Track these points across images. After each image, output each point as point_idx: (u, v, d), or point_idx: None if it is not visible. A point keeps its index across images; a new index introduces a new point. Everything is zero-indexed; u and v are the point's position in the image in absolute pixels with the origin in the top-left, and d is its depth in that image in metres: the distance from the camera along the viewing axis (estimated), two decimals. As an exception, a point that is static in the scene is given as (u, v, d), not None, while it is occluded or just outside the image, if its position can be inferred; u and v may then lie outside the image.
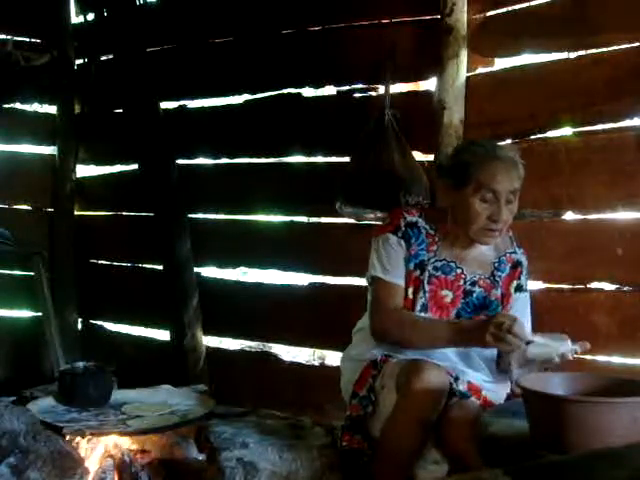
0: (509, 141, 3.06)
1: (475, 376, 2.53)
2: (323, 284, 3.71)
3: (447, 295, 2.57)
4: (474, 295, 2.59)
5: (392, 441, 2.36)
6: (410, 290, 2.57)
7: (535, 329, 2.60)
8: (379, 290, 2.58)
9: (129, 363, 3.89)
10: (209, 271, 4.20)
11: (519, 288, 2.64)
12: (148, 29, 4.15)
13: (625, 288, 2.83)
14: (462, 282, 2.58)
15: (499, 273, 2.61)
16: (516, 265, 2.64)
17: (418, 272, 2.56)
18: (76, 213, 4.62)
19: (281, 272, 3.96)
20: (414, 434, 2.34)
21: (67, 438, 2.74)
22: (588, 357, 2.87)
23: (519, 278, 2.64)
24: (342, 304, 3.40)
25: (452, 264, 2.59)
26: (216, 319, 4.10)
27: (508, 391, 2.60)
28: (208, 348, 4.13)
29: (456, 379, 2.42)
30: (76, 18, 4.53)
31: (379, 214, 3.12)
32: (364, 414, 2.48)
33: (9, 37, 4.07)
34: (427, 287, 2.56)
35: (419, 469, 2.39)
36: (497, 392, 2.56)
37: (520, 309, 2.62)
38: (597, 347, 2.84)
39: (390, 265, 2.57)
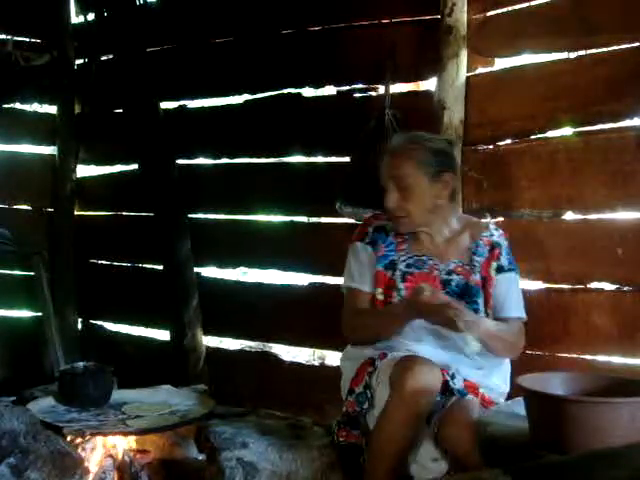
0: (509, 141, 3.06)
1: (469, 372, 2.52)
2: (323, 284, 3.71)
3: None
4: (453, 283, 2.59)
5: (384, 436, 2.37)
6: (379, 291, 2.63)
7: (531, 320, 2.66)
8: (348, 297, 2.73)
9: (129, 363, 3.89)
10: (209, 271, 4.20)
11: (500, 269, 2.63)
12: (148, 29, 4.15)
13: (625, 288, 2.83)
14: (437, 273, 2.60)
15: (477, 258, 2.62)
16: (494, 247, 2.64)
17: (390, 272, 2.62)
18: (76, 213, 4.62)
19: (281, 272, 3.96)
20: (406, 430, 2.34)
21: (67, 438, 2.75)
22: (588, 357, 2.88)
23: (498, 259, 2.63)
24: (342, 304, 3.39)
25: (424, 258, 2.63)
26: (216, 319, 4.10)
27: (507, 389, 2.61)
28: (208, 348, 4.13)
29: (452, 377, 2.43)
30: (76, 18, 4.53)
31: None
32: (360, 410, 2.49)
33: (9, 37, 4.07)
34: (402, 285, 2.59)
35: (417, 466, 2.39)
36: (494, 389, 2.57)
37: (503, 291, 2.62)
38: (597, 347, 2.85)
39: (357, 272, 2.69)
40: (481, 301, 2.59)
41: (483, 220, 2.77)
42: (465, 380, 2.47)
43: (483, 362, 2.56)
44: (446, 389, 2.40)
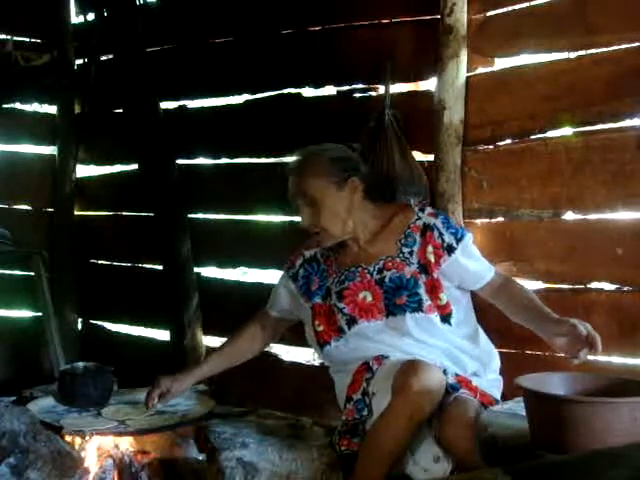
0: (509, 141, 3.06)
1: (466, 364, 2.54)
2: (323, 284, 3.70)
3: (365, 296, 2.59)
4: (387, 279, 2.57)
5: (384, 438, 2.34)
6: (317, 323, 2.65)
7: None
8: (260, 310, 2.96)
9: (129, 363, 3.89)
10: (209, 271, 4.20)
11: (450, 249, 2.58)
12: (148, 29, 4.15)
13: (625, 288, 2.83)
14: (369, 276, 2.60)
15: (407, 248, 2.60)
16: (425, 230, 2.60)
17: (327, 300, 2.64)
18: (76, 213, 4.62)
19: (281, 272, 3.95)
20: (408, 433, 2.33)
21: (67, 438, 2.74)
22: (588, 357, 2.87)
23: (441, 240, 2.58)
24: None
25: (352, 268, 2.63)
26: (216, 319, 4.10)
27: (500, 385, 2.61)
28: (208, 348, 4.13)
29: (444, 373, 2.42)
30: (76, 18, 4.54)
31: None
32: (360, 417, 2.46)
33: (9, 37, 4.07)
34: (341, 304, 2.59)
35: (419, 468, 2.38)
36: (491, 382, 2.57)
37: (470, 263, 2.60)
38: (597, 347, 2.85)
39: (273, 296, 2.91)
40: (422, 290, 2.55)
41: (410, 205, 2.72)
42: (457, 375, 2.47)
43: (475, 350, 2.57)
44: None
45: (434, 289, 2.56)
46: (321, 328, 2.64)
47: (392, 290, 2.56)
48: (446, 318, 2.56)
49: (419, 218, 2.63)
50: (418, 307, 2.53)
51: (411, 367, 2.34)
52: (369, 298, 2.58)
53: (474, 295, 2.70)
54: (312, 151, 2.67)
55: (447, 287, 2.58)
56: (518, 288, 2.62)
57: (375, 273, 2.60)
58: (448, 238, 2.58)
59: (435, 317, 2.55)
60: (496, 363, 2.66)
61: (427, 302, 2.54)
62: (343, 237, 2.65)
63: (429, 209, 2.68)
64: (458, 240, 2.59)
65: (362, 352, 2.54)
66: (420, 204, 2.74)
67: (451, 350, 2.55)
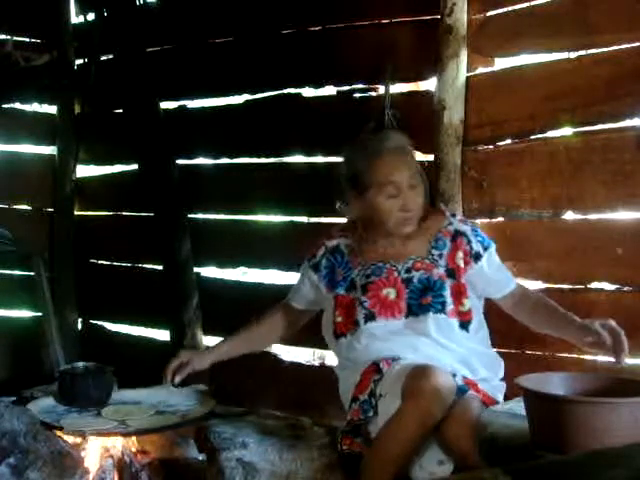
0: (509, 141, 3.06)
1: (476, 368, 2.54)
2: (323, 284, 3.70)
3: (389, 293, 2.57)
4: (414, 280, 2.56)
5: (394, 442, 2.32)
6: (337, 313, 2.63)
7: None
8: (281, 302, 2.88)
9: (129, 363, 3.89)
10: (209, 271, 4.20)
11: (477, 257, 2.58)
12: (148, 29, 4.16)
13: (625, 288, 2.83)
14: (396, 274, 2.58)
15: (437, 251, 2.59)
16: (456, 236, 2.59)
17: (352, 292, 2.61)
18: (76, 213, 4.62)
19: (281, 272, 3.96)
20: (418, 437, 2.32)
21: (67, 438, 2.75)
22: (588, 357, 2.88)
23: (469, 247, 2.58)
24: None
25: (380, 264, 2.61)
26: (216, 319, 4.10)
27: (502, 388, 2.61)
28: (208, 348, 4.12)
29: (453, 376, 2.42)
30: (76, 18, 4.54)
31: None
32: (365, 418, 2.45)
33: (9, 37, 4.07)
34: (364, 297, 2.57)
35: (423, 471, 2.37)
36: (495, 387, 2.57)
37: (494, 272, 2.60)
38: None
39: (296, 288, 2.83)
40: (447, 293, 2.54)
41: (441, 209, 2.73)
42: (465, 378, 2.47)
43: (484, 357, 2.57)
44: None
45: (459, 294, 2.56)
46: (340, 319, 2.63)
47: (418, 291, 2.56)
48: (465, 325, 2.57)
49: (451, 223, 2.62)
50: (442, 309, 2.53)
51: (422, 372, 2.33)
52: (392, 295, 2.57)
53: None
54: (398, 134, 2.68)
55: (470, 295, 2.59)
56: (539, 297, 2.62)
57: (403, 272, 2.58)
58: (476, 246, 2.59)
59: (455, 322, 2.55)
60: (502, 369, 2.66)
61: (450, 306, 2.54)
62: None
63: (459, 216, 2.71)
64: (485, 249, 2.60)
65: (374, 352, 2.53)
66: (451, 210, 2.75)
67: (464, 355, 2.54)
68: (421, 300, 2.55)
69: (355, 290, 2.61)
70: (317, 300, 2.80)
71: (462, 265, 2.57)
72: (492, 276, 2.61)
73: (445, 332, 2.54)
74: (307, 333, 3.71)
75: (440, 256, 2.59)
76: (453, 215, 2.67)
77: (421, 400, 2.28)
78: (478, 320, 2.62)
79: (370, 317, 2.57)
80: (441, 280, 2.56)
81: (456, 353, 2.54)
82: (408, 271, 2.58)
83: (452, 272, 2.57)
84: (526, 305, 2.61)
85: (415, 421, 2.30)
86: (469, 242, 2.59)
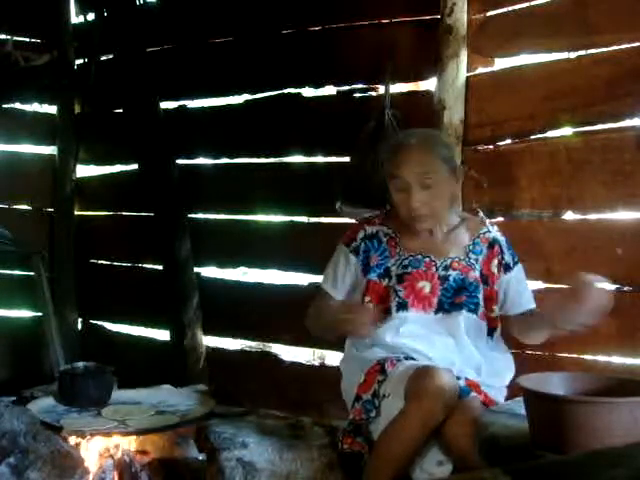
0: (509, 141, 3.06)
1: (473, 375, 2.53)
2: (323, 284, 3.70)
3: (424, 286, 2.58)
4: (450, 279, 2.58)
5: (396, 444, 2.33)
6: (367, 299, 2.61)
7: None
8: (318, 297, 2.73)
9: (129, 363, 3.89)
10: (209, 271, 4.20)
11: (507, 268, 2.63)
12: (148, 29, 4.16)
13: (625, 288, 2.83)
14: (434, 269, 2.59)
15: (474, 255, 2.62)
16: (492, 244, 2.64)
17: (386, 280, 2.60)
18: (76, 213, 4.62)
19: (281, 272, 3.96)
20: (420, 438, 2.33)
21: (67, 438, 2.75)
22: (588, 357, 2.88)
23: (502, 257, 2.63)
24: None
25: (419, 256, 2.61)
26: (216, 319, 4.10)
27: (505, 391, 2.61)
28: (208, 348, 4.13)
29: (457, 378, 2.43)
30: (76, 18, 4.53)
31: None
32: (367, 418, 2.46)
33: (9, 37, 4.07)
34: (399, 287, 2.57)
35: (423, 472, 2.37)
36: (498, 389, 2.57)
37: (518, 287, 2.64)
38: (597, 347, 2.85)
39: (332, 277, 2.70)
40: (481, 296, 2.59)
41: (480, 216, 2.75)
42: (467, 379, 2.47)
43: (489, 362, 2.58)
44: None
45: (490, 300, 2.60)
46: (370, 305, 2.60)
47: (453, 290, 2.57)
48: (491, 331, 2.62)
49: (489, 231, 2.66)
50: (475, 309, 2.57)
51: (425, 373, 2.34)
52: (427, 289, 2.58)
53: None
54: (432, 134, 2.70)
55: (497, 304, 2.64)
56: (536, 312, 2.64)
57: (441, 269, 2.59)
58: (508, 257, 2.64)
59: (485, 325, 2.60)
60: (511, 374, 2.65)
61: (482, 309, 2.59)
62: (441, 223, 2.63)
63: (496, 226, 2.73)
64: (515, 262, 2.65)
65: (398, 344, 2.53)
66: (488, 219, 2.76)
67: (479, 362, 2.56)
68: (454, 299, 2.57)
69: (390, 279, 2.60)
70: (356, 287, 2.71)
71: (496, 272, 2.62)
72: (518, 290, 2.64)
73: (474, 333, 2.57)
74: (307, 333, 3.72)
75: (476, 260, 2.62)
76: (492, 224, 2.71)
77: (424, 401, 2.29)
78: (500, 329, 2.67)
79: (403, 306, 2.57)
80: (476, 282, 2.59)
81: (473, 359, 2.55)
82: (446, 269, 2.59)
83: (486, 278, 2.61)
84: (527, 323, 2.64)
85: (418, 422, 2.31)
86: (502, 252, 2.64)
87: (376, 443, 2.41)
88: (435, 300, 2.57)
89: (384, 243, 2.65)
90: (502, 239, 2.67)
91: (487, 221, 2.71)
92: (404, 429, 2.33)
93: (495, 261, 2.63)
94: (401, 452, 2.33)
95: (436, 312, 2.57)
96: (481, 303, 2.59)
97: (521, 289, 2.67)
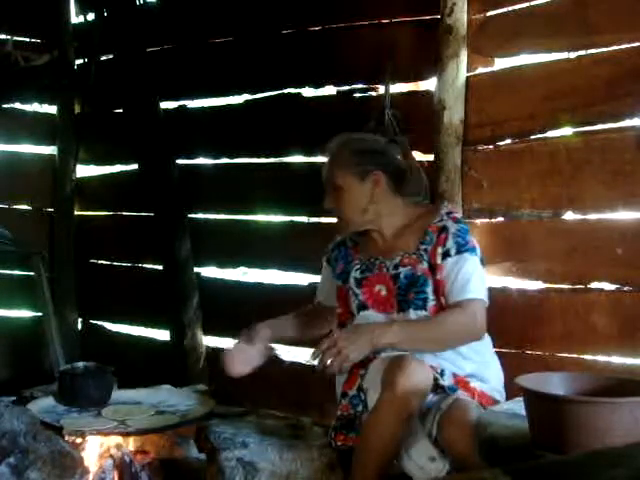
0: (509, 141, 3.06)
1: (462, 365, 2.52)
2: (323, 284, 3.70)
3: (381, 289, 2.61)
4: (401, 275, 2.57)
5: (375, 436, 2.35)
6: (338, 305, 2.72)
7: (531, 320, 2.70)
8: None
9: (129, 363, 3.89)
10: (209, 271, 4.20)
11: (446, 254, 2.53)
12: (148, 29, 4.16)
13: (625, 288, 2.82)
14: (385, 270, 2.61)
15: (424, 246, 2.58)
16: (441, 231, 2.57)
17: (347, 284, 2.67)
18: (76, 213, 4.62)
19: (281, 272, 3.96)
20: (396, 429, 2.34)
21: (67, 438, 2.74)
22: (588, 357, 2.88)
23: (444, 244, 2.54)
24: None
25: (372, 259, 2.65)
26: (216, 319, 4.10)
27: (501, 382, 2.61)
28: (208, 348, 4.13)
29: (442, 374, 2.43)
30: (76, 18, 4.54)
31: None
32: (354, 413, 2.49)
33: (9, 37, 4.07)
34: (358, 290, 2.63)
35: (414, 465, 2.38)
36: (489, 380, 2.56)
37: (451, 276, 2.52)
38: (597, 347, 2.85)
39: (319, 287, 2.91)
40: (429, 289, 2.53)
41: (441, 206, 2.70)
42: (455, 376, 2.47)
43: (471, 354, 2.55)
44: (437, 387, 2.41)
45: (438, 290, 2.55)
46: (340, 310, 2.71)
47: (405, 286, 2.57)
48: None
49: (442, 219, 2.61)
50: (423, 305, 2.54)
51: (398, 363, 2.35)
52: (384, 292, 2.60)
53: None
54: (340, 142, 2.71)
55: None
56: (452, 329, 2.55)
57: (392, 268, 2.60)
58: (450, 244, 2.55)
59: None
60: (490, 353, 2.64)
61: (432, 302, 2.54)
62: (361, 228, 2.67)
63: (455, 214, 2.67)
64: (459, 251, 2.54)
65: None
66: (449, 209, 2.70)
67: (446, 352, 2.53)
68: (407, 296, 2.56)
69: (348, 282, 2.66)
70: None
71: (439, 261, 2.55)
72: (449, 279, 2.52)
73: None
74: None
75: (425, 251, 2.58)
76: (449, 213, 2.64)
77: (397, 391, 2.30)
78: None
79: (363, 307, 2.62)
80: (425, 276, 2.55)
81: (443, 354, 2.51)
82: (396, 267, 2.60)
83: (433, 267, 2.55)
84: None
85: (392, 413, 2.32)
86: (446, 239, 2.55)
87: (359, 436, 2.43)
88: (394, 300, 2.58)
89: (349, 248, 2.75)
90: (453, 226, 2.56)
91: (443, 210, 2.64)
92: (379, 421, 2.34)
93: (439, 249, 2.55)
94: (381, 444, 2.34)
95: (398, 312, 2.57)
96: (430, 297, 2.53)
97: (456, 278, 2.51)
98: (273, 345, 2.81)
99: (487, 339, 2.63)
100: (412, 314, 2.54)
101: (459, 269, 2.52)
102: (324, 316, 2.90)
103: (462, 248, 2.54)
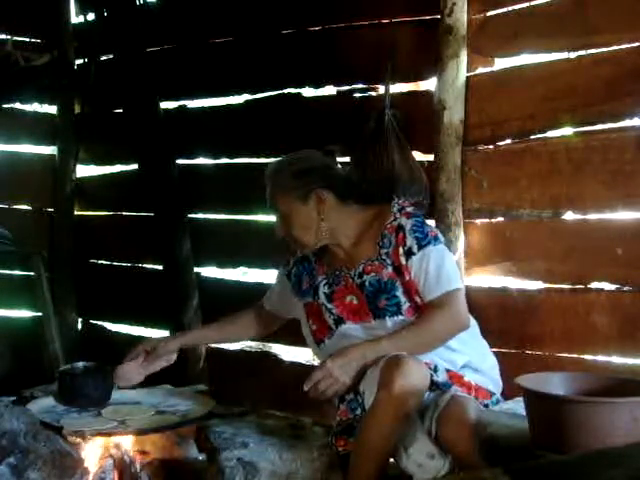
0: (509, 141, 3.06)
1: (454, 358, 2.52)
2: (323, 284, 3.70)
3: (352, 299, 2.60)
4: (367, 284, 2.56)
5: (372, 435, 2.34)
6: (311, 321, 2.68)
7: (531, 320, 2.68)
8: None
9: (129, 363, 3.88)
10: (209, 271, 4.20)
11: (409, 253, 2.51)
12: (148, 29, 4.16)
13: (625, 288, 2.83)
14: (351, 280, 2.60)
15: (385, 250, 2.56)
16: (397, 231, 2.54)
17: (316, 299, 2.66)
18: (76, 213, 4.62)
19: (281, 272, 3.96)
20: (394, 428, 2.33)
21: (67, 438, 2.74)
22: (588, 357, 2.88)
23: (405, 244, 2.52)
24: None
25: (337, 272, 2.64)
26: (216, 319, 4.09)
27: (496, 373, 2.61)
28: (208, 348, 4.13)
29: (435, 370, 2.43)
30: (76, 18, 4.54)
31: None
32: (354, 417, 2.49)
33: (9, 37, 4.07)
34: (330, 305, 2.62)
35: (412, 463, 2.38)
36: (482, 369, 2.56)
37: (419, 273, 2.50)
38: (597, 347, 2.85)
39: (270, 293, 2.95)
40: (400, 293, 2.52)
41: (389, 205, 2.65)
42: (448, 371, 2.47)
43: (460, 346, 2.55)
44: (432, 384, 2.41)
45: (410, 291, 2.53)
46: (315, 327, 2.68)
47: (372, 294, 2.55)
48: None
49: (395, 219, 2.57)
50: (397, 310, 2.52)
51: (394, 362, 2.34)
52: (355, 301, 2.60)
53: (468, 296, 2.66)
54: (277, 167, 2.71)
55: None
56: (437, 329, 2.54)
57: (356, 277, 2.60)
58: (410, 242, 2.52)
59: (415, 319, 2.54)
60: (478, 340, 2.64)
61: (406, 304, 2.53)
62: (318, 244, 2.66)
63: (407, 209, 2.61)
64: (420, 247, 2.52)
65: None
66: (400, 204, 2.64)
67: (443, 353, 2.53)
68: (377, 303, 2.55)
69: (319, 297, 2.65)
70: (287, 308, 2.86)
71: (404, 262, 2.52)
72: (419, 278, 2.51)
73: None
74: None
75: (387, 254, 2.56)
76: (400, 210, 2.60)
77: (393, 390, 2.29)
78: None
79: (340, 321, 2.60)
80: (392, 280, 2.54)
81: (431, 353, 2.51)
82: (360, 276, 2.59)
83: (399, 269, 2.53)
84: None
85: (388, 412, 2.31)
86: (405, 237, 2.53)
87: (356, 440, 2.42)
88: (367, 308, 2.57)
89: (313, 263, 2.73)
90: (407, 222, 2.54)
91: (395, 208, 2.60)
92: (376, 420, 2.34)
93: (400, 250, 2.52)
94: (378, 443, 2.33)
95: (375, 318, 2.56)
96: (402, 300, 2.52)
97: (423, 276, 2.50)
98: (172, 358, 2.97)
99: (472, 323, 2.60)
100: (389, 322, 2.52)
101: (427, 265, 2.50)
102: (268, 322, 2.98)
103: (423, 242, 2.52)
